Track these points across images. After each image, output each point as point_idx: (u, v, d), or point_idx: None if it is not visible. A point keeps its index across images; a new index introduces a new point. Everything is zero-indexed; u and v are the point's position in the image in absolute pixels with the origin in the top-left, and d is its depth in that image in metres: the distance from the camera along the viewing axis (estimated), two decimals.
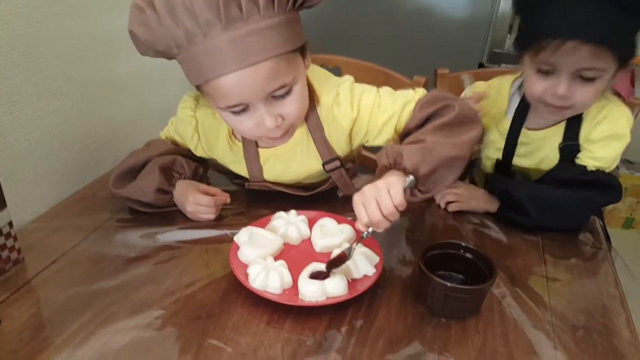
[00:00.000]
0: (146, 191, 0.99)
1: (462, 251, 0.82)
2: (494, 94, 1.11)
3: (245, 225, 0.92)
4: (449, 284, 0.74)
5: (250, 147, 1.00)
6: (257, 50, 0.75)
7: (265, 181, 1.04)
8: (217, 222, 1.01)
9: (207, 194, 1.01)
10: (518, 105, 1.06)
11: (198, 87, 0.83)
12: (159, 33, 0.75)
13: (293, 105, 0.85)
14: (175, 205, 1.03)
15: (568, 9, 0.86)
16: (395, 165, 0.83)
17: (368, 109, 0.92)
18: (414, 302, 0.81)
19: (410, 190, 0.82)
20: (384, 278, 0.83)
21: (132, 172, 1.02)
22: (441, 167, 0.82)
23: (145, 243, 0.94)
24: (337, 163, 0.99)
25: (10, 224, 0.85)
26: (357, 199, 0.79)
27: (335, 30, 1.97)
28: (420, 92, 0.95)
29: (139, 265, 0.88)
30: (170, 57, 0.81)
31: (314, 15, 1.88)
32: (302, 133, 0.96)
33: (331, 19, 1.95)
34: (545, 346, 0.73)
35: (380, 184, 0.78)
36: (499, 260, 0.91)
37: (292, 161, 1.00)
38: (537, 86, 0.95)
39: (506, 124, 1.08)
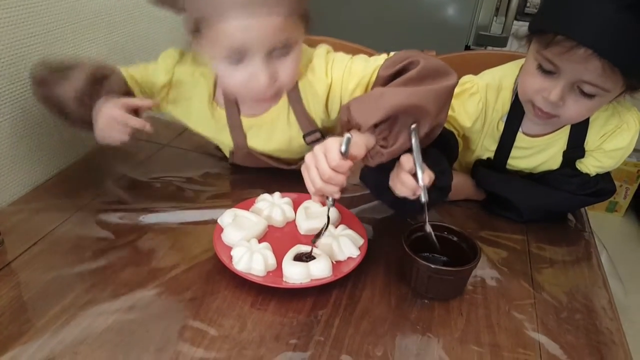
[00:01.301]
0: (66, 89, 0.88)
1: (446, 233, 0.82)
2: (492, 96, 0.97)
3: (229, 207, 0.91)
4: (432, 266, 0.74)
5: (233, 113, 0.97)
6: (271, 2, 0.76)
7: (249, 148, 1.02)
8: (200, 203, 1.00)
9: (129, 107, 0.88)
10: (511, 107, 0.96)
11: (195, 33, 0.80)
12: None
13: (289, 67, 0.84)
14: (89, 126, 0.91)
15: (599, 12, 0.74)
16: (349, 122, 0.79)
17: (339, 74, 0.90)
18: (398, 284, 0.81)
19: (376, 147, 0.78)
20: (368, 260, 0.83)
21: (60, 70, 0.92)
22: (398, 117, 0.76)
23: (127, 225, 0.93)
24: (318, 135, 0.97)
25: None
26: (302, 168, 0.77)
27: (322, 12, 1.95)
28: (391, 55, 0.90)
29: (121, 247, 0.87)
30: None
31: None
32: (283, 105, 0.95)
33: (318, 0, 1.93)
34: (528, 327, 0.74)
35: (317, 149, 0.75)
36: (483, 242, 0.91)
37: (274, 132, 0.98)
38: (533, 83, 0.85)
39: (500, 126, 0.98)
